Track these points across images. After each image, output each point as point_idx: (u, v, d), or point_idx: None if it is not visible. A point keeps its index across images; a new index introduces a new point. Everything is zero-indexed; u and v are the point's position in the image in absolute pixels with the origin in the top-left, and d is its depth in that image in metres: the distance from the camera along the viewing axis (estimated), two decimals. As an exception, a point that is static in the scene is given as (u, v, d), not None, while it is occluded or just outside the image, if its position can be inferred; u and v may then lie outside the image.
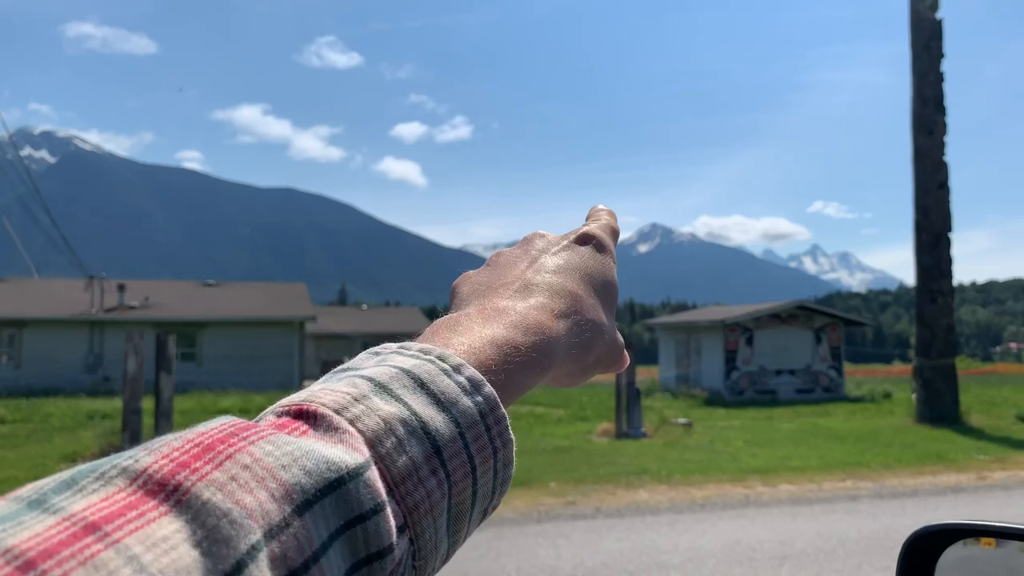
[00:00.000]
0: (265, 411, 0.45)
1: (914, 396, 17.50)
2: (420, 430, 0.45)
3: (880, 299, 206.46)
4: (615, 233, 0.70)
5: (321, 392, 0.45)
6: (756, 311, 25.89)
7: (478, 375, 0.49)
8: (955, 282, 18.19)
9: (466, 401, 0.48)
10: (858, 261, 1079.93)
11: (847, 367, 28.00)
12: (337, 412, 0.44)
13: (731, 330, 25.09)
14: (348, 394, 0.45)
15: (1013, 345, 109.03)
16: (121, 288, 32.98)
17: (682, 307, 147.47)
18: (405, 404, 0.46)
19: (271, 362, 31.82)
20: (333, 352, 40.90)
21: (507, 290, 0.60)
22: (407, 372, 0.47)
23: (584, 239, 0.66)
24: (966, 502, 8.90)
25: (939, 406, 16.68)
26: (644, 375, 27.02)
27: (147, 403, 13.14)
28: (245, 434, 0.40)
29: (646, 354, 48.97)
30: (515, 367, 0.53)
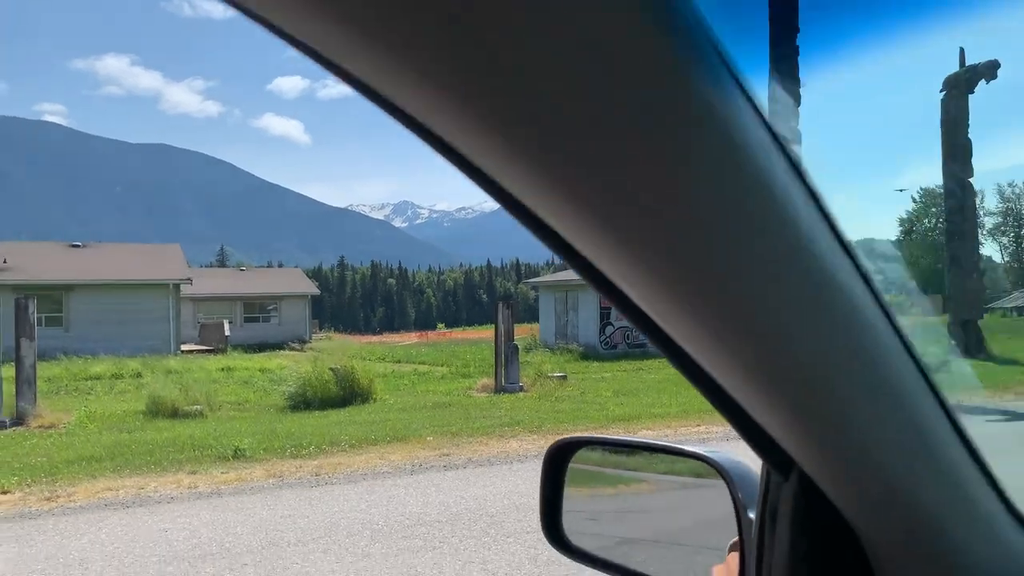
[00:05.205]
0: None
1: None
2: None
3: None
4: None
5: None
6: (630, 269, 26.96)
7: None
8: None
9: None
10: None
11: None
12: None
13: (607, 288, 26.07)
14: None
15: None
16: (-25, 250, 31.03)
17: (564, 267, 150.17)
18: None
19: (145, 326, 30.76)
20: (212, 314, 39.86)
21: None
22: None
23: None
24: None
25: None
26: (525, 332, 27.77)
27: (8, 371, 12.67)
28: None
29: (531, 312, 50.06)
30: None
